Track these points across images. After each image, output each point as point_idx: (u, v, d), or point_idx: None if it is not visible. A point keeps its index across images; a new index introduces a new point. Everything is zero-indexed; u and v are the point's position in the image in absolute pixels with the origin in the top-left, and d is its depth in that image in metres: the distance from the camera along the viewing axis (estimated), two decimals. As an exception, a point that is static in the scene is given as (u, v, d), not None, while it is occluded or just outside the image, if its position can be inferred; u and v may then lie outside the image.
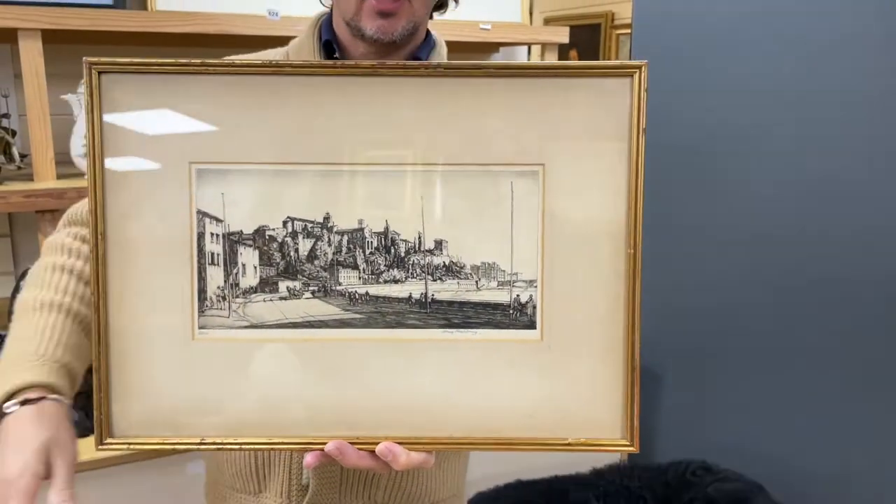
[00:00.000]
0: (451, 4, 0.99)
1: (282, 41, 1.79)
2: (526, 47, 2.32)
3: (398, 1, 0.84)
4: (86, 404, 1.33)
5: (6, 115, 1.47)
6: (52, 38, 1.48)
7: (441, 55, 0.97)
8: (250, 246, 0.71)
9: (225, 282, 0.71)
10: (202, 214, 0.71)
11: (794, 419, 1.64)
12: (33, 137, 1.47)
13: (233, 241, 0.71)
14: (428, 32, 0.95)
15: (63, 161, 1.54)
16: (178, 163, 0.71)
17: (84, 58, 0.70)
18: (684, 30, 1.76)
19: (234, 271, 0.71)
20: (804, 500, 1.63)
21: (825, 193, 1.53)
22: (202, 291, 0.71)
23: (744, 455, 1.68)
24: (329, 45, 0.92)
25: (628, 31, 3.74)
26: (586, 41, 3.96)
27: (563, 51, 4.28)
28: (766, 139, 1.62)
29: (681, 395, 1.88)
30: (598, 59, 4.26)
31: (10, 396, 0.74)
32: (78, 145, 1.51)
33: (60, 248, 0.89)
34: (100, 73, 0.69)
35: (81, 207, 0.94)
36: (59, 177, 1.51)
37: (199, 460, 1.39)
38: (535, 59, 2.34)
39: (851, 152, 1.49)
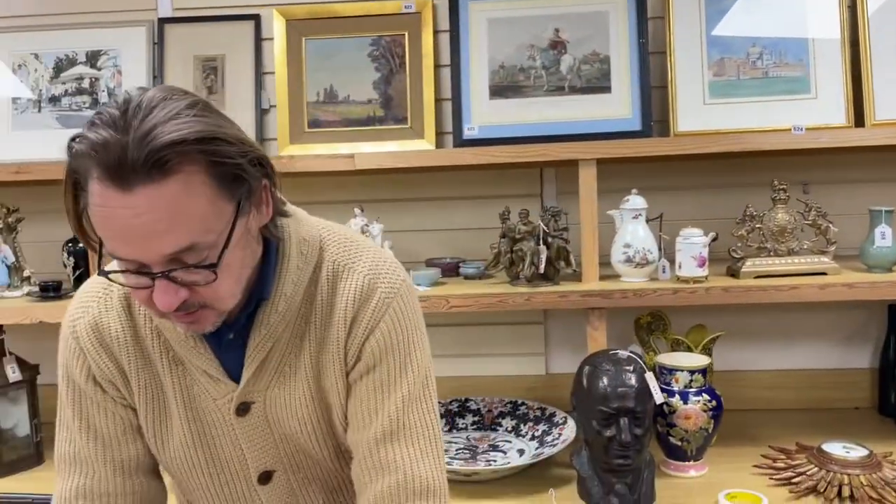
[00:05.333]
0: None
1: (804, 153, 1.86)
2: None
3: (194, 314, 0.86)
4: None
5: (566, 229, 1.81)
6: (601, 162, 1.78)
7: (293, 286, 0.95)
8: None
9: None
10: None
11: None
12: (584, 247, 1.78)
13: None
14: (266, 279, 0.94)
15: (604, 263, 1.82)
16: None
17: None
18: None
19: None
20: None
21: None
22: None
23: None
24: None
25: None
26: None
27: None
28: None
29: None
30: None
31: None
32: (618, 253, 1.77)
33: None
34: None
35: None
36: (602, 278, 1.79)
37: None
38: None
39: None
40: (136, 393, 1.00)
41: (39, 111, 2.09)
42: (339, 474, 1.10)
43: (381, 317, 0.98)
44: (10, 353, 1.87)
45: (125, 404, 1.02)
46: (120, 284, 0.87)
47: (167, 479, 1.13)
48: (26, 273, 1.95)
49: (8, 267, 1.91)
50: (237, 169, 0.82)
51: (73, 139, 0.81)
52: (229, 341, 0.97)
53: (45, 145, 2.06)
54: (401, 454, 0.97)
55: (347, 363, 1.00)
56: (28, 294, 1.90)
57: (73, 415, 1.01)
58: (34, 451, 1.91)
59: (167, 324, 0.96)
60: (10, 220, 1.93)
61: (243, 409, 0.99)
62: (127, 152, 0.75)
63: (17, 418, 1.89)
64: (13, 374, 1.85)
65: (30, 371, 1.90)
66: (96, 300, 1.01)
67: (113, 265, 0.84)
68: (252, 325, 0.95)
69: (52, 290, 1.84)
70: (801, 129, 1.70)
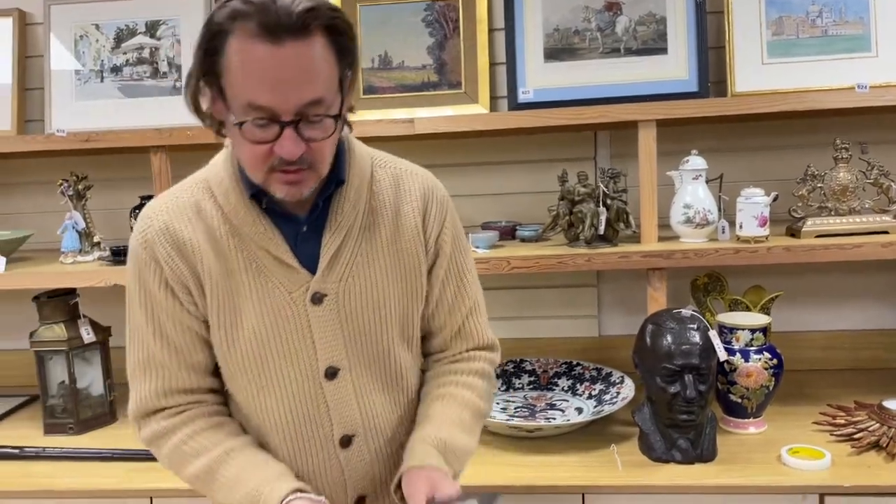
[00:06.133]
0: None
1: (865, 112, 1.85)
2: None
3: (301, 172, 0.96)
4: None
5: (624, 191, 1.82)
6: (660, 124, 1.79)
7: (358, 180, 1.08)
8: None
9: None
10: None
11: None
12: (643, 208, 1.79)
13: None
14: (340, 165, 1.06)
15: (662, 225, 1.83)
16: None
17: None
18: None
19: None
20: None
21: None
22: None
23: None
24: (256, 196, 1.03)
25: None
26: None
27: None
28: None
29: None
30: None
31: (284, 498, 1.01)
32: (678, 214, 1.78)
33: (170, 430, 1.08)
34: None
35: (143, 399, 1.10)
36: (660, 240, 1.81)
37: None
38: None
39: None
40: (208, 292, 1.05)
41: (102, 81, 2.14)
42: (396, 370, 1.16)
43: (446, 213, 1.16)
44: (84, 316, 1.94)
45: (194, 312, 1.07)
46: (249, 140, 0.94)
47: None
48: (96, 239, 2.01)
49: (79, 233, 1.98)
50: (348, 41, 0.96)
51: (224, 3, 0.92)
52: (304, 234, 1.06)
53: (108, 115, 2.11)
54: (476, 325, 1.21)
55: (428, 251, 1.14)
56: (99, 259, 1.97)
57: (147, 322, 1.07)
58: (108, 410, 1.99)
59: (248, 220, 1.03)
60: (79, 187, 1.99)
61: (317, 298, 1.06)
62: (280, 13, 0.89)
63: (91, 378, 1.97)
64: (87, 335, 1.93)
65: (102, 333, 1.97)
66: (164, 210, 1.06)
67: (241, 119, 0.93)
68: (326, 217, 1.06)
69: (123, 255, 1.90)
70: (865, 88, 1.69)
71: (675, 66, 1.96)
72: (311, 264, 1.06)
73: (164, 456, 1.09)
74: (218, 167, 1.08)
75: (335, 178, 1.06)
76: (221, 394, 1.16)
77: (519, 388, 2.01)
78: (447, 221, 1.16)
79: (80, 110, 2.12)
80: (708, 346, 1.53)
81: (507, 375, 2.04)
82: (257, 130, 0.93)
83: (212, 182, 1.07)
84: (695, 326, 1.55)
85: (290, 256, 1.05)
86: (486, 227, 2.04)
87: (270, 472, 1.05)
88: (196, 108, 0.99)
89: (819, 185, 1.77)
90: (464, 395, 1.16)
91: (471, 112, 2.03)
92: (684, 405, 1.51)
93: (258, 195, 1.03)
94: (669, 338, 1.54)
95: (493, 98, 2.08)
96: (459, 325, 1.20)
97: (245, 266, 1.05)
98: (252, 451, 1.09)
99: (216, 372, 1.14)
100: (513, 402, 1.94)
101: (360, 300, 1.09)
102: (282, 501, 1.00)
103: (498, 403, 1.92)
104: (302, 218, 1.06)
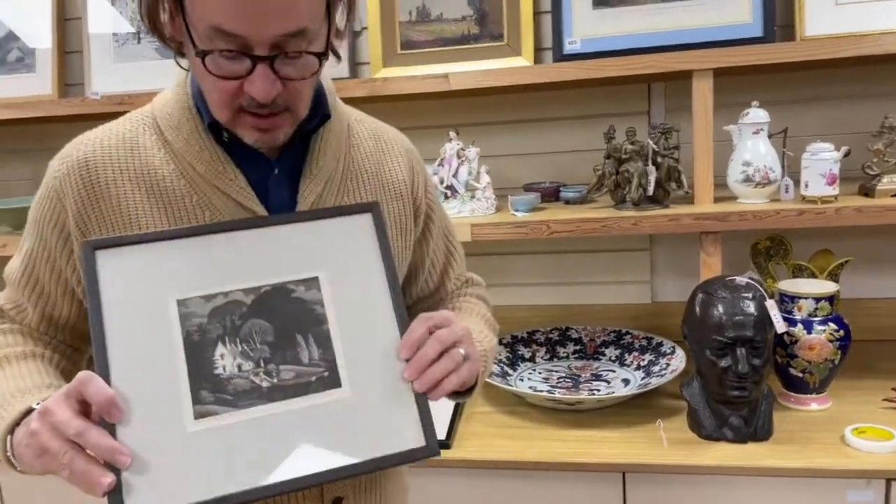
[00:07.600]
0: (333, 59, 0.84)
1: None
2: None
3: (275, 117, 0.79)
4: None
5: (676, 148, 1.68)
6: (717, 73, 1.63)
7: (339, 127, 0.93)
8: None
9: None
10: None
11: None
12: (697, 166, 1.65)
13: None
14: (322, 99, 0.89)
15: (719, 184, 1.69)
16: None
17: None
18: None
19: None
20: None
21: None
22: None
23: None
24: (215, 126, 0.84)
25: None
26: None
27: None
28: None
29: None
30: None
31: (18, 422, 0.78)
32: (736, 172, 1.64)
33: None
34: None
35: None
36: (716, 200, 1.66)
37: None
38: None
39: None
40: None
41: (139, 43, 2.10)
42: None
43: (424, 170, 1.05)
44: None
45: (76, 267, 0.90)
46: (213, 74, 0.76)
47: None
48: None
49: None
50: None
51: None
52: (276, 179, 0.88)
53: (146, 76, 2.08)
54: (462, 271, 1.18)
55: (418, 214, 1.02)
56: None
57: (24, 257, 0.92)
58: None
59: (205, 156, 0.86)
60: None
61: None
62: None
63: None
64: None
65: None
66: (91, 142, 0.88)
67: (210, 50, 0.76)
68: (303, 161, 0.90)
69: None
70: (956, 26, 1.50)
71: (738, 9, 1.78)
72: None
73: None
74: (167, 96, 0.89)
75: (320, 112, 0.89)
76: (69, 351, 0.98)
77: (564, 358, 1.92)
78: (429, 181, 1.05)
79: (118, 72, 2.10)
80: (764, 317, 1.41)
81: (552, 344, 1.95)
82: (224, 63, 0.75)
83: (158, 115, 0.88)
84: (749, 295, 1.42)
85: (255, 203, 0.86)
86: (528, 188, 1.94)
87: (34, 381, 0.86)
88: (153, 26, 0.80)
89: (897, 138, 1.59)
90: (471, 305, 1.12)
91: (514, 65, 1.91)
92: (736, 380, 1.40)
93: (216, 126, 0.84)
94: (721, 308, 1.41)
95: (538, 50, 1.95)
96: (458, 277, 1.17)
97: (193, 213, 0.86)
98: (37, 363, 0.90)
99: (80, 334, 0.96)
100: (556, 372, 1.85)
101: None
102: (20, 421, 0.79)
103: (540, 373, 1.83)
104: (273, 160, 0.88)
